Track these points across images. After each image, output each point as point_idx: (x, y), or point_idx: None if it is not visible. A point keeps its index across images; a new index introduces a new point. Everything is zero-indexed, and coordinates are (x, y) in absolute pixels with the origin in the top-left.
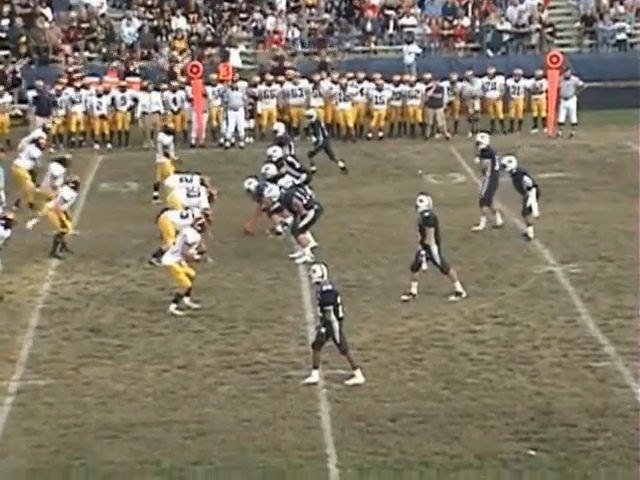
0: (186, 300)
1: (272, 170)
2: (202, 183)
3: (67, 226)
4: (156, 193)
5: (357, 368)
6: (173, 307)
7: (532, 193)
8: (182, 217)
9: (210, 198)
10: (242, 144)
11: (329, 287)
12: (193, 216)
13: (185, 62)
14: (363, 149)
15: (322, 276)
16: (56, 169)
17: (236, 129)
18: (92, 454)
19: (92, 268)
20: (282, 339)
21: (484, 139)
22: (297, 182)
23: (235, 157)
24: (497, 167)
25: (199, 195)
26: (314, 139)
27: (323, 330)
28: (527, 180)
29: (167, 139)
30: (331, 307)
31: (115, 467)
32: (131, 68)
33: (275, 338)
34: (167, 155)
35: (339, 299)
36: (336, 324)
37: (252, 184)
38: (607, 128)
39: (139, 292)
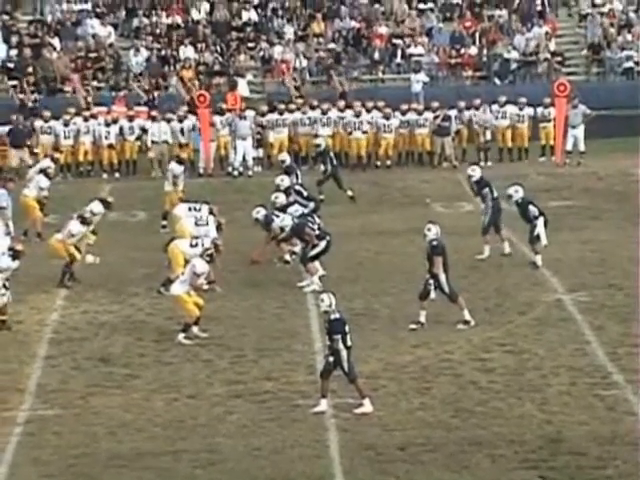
0: (195, 329)
1: (281, 199)
2: (211, 212)
3: (76, 257)
4: (164, 222)
5: (366, 397)
6: (182, 336)
7: (539, 222)
8: (191, 246)
9: (218, 227)
10: (250, 173)
11: (337, 316)
12: (202, 245)
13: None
14: (371, 178)
15: (330, 305)
16: (96, 207)
17: (244, 158)
18: None
19: (100, 297)
20: (290, 368)
21: (475, 172)
22: (306, 211)
23: (243, 186)
24: (496, 194)
25: (207, 224)
26: (322, 168)
27: (331, 359)
28: (533, 209)
29: (178, 169)
30: (339, 336)
31: None
32: (150, 97)
33: (283, 367)
34: (175, 185)
35: (347, 328)
36: (344, 353)
37: (260, 213)
38: (615, 156)
39: (148, 321)
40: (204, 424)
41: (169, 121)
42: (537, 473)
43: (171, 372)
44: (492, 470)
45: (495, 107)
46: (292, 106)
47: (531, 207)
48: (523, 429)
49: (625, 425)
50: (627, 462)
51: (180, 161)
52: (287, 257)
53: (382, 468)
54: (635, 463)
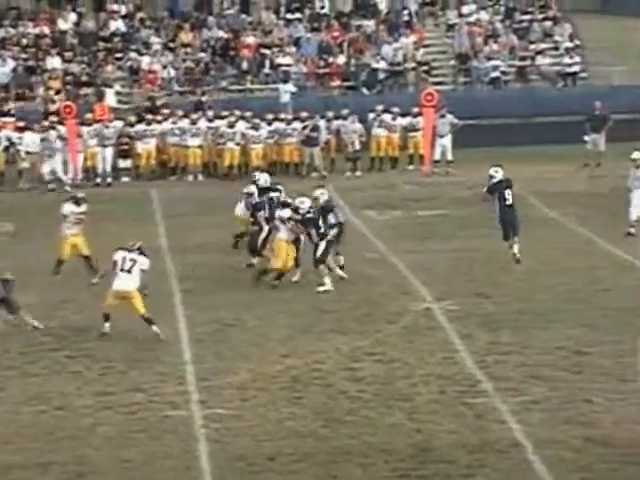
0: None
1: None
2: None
3: None
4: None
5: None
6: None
7: (333, 232)
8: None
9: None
10: (109, 180)
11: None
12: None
13: (61, 102)
14: (240, 188)
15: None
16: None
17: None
18: None
19: None
20: (160, 379)
21: (498, 173)
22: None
23: (111, 197)
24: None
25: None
26: None
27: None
28: (332, 218)
29: (69, 209)
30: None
31: None
32: (5, 108)
33: (153, 378)
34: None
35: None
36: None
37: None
38: (483, 165)
39: (14, 333)
40: (73, 436)
41: (42, 131)
42: None
43: (39, 384)
44: (362, 479)
45: (372, 115)
46: (159, 117)
47: (331, 215)
48: (393, 438)
49: (494, 433)
50: (496, 470)
51: (77, 201)
52: (254, 260)
53: (253, 478)
54: (504, 471)
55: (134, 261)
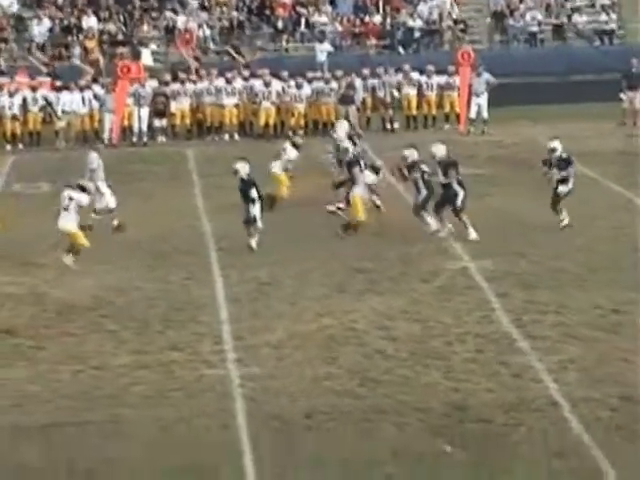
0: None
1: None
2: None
3: None
4: None
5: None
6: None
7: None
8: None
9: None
10: (145, 140)
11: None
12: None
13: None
14: (275, 148)
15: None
16: None
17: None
18: (4, 456)
19: (6, 268)
20: (196, 338)
21: (559, 147)
22: None
23: (148, 156)
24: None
25: None
26: None
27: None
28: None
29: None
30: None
31: (27, 470)
32: (50, 69)
33: (190, 337)
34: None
35: None
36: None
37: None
38: (519, 124)
39: (52, 293)
40: (110, 395)
41: (83, 90)
42: (443, 440)
43: (76, 343)
44: (398, 438)
45: (400, 76)
46: (194, 76)
47: (253, 190)
48: (429, 397)
49: (530, 392)
50: (532, 429)
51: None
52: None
53: (289, 436)
54: (540, 429)
55: (71, 199)
